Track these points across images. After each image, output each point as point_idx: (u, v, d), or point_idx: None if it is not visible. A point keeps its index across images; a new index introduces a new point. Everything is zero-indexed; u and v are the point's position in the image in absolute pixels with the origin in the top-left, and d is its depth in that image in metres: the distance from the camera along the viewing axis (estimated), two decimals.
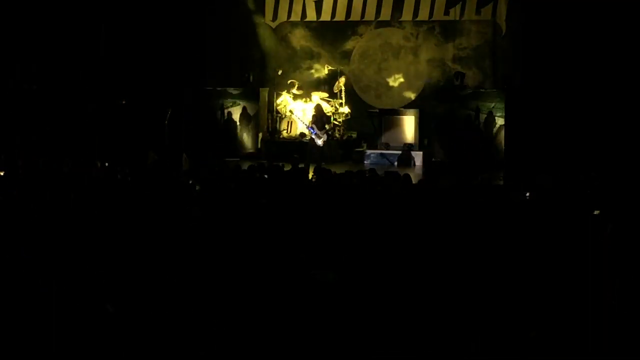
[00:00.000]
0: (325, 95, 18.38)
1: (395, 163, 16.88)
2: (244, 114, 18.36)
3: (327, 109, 17.83)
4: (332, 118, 17.85)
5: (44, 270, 5.64)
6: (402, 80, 18.78)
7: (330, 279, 6.17)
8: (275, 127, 18.67)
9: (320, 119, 15.92)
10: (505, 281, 5.61)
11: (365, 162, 17.00)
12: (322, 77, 18.88)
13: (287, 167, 12.28)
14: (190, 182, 10.36)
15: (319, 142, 15.76)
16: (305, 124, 16.48)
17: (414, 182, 10.80)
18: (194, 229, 6.62)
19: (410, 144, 17.22)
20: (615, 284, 4.65)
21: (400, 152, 17.08)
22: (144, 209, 8.05)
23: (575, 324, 4.17)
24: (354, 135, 18.33)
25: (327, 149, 16.50)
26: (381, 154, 17.18)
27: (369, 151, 17.40)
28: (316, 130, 15.71)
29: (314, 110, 16.79)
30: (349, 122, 18.34)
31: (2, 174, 11.23)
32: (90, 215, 7.35)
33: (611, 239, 6.03)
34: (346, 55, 18.99)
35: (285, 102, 18.36)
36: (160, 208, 7.86)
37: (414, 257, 6.38)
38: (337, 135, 18.08)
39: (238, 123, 18.38)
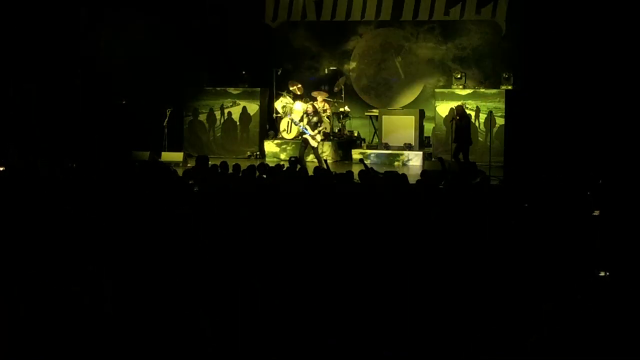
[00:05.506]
0: (325, 95, 18.36)
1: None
2: (244, 114, 18.36)
3: (322, 108, 17.73)
4: (327, 116, 17.79)
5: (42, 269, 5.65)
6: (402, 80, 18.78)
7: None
8: (276, 127, 18.66)
9: (311, 119, 15.62)
10: (504, 281, 5.61)
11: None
12: (322, 77, 18.88)
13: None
14: (190, 182, 10.34)
15: (313, 143, 15.54)
16: (298, 125, 16.11)
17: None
18: (191, 228, 6.62)
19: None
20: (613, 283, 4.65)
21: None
22: (143, 209, 8.05)
23: (574, 323, 4.17)
24: (354, 136, 18.34)
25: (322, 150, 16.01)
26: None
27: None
28: (309, 132, 15.48)
29: (305, 111, 16.24)
30: (349, 122, 18.36)
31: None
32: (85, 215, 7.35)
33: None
34: (346, 55, 18.98)
35: (286, 102, 18.31)
36: (158, 208, 7.85)
37: (411, 258, 6.38)
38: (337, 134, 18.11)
39: (238, 123, 18.37)
